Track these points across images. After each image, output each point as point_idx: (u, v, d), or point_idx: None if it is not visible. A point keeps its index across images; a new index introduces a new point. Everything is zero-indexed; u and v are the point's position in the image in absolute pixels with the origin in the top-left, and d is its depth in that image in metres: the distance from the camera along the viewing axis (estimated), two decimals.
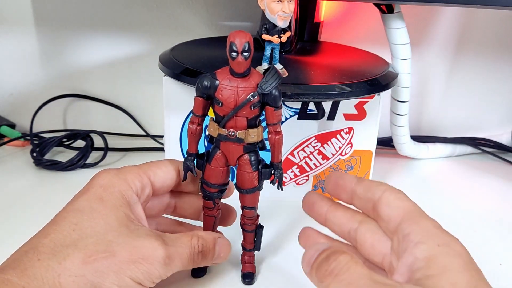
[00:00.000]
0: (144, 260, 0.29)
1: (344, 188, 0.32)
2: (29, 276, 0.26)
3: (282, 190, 0.35)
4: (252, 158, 0.34)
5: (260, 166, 0.35)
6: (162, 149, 0.61)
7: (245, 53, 0.30)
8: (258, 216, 0.37)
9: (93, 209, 0.31)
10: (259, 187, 0.35)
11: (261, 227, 0.38)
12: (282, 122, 0.47)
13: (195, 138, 0.34)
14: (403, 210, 0.29)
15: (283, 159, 0.49)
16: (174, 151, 0.50)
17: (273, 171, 0.35)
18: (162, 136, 0.64)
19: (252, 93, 0.32)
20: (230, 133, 0.33)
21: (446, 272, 0.25)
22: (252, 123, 0.33)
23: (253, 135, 0.33)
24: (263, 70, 0.43)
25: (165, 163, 0.36)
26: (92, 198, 0.31)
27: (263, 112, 0.33)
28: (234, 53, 0.30)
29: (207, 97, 0.33)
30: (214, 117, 0.34)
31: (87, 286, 0.27)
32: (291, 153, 0.49)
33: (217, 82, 0.32)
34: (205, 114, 0.34)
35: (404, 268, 0.27)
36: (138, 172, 0.34)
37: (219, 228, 0.39)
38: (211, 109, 0.34)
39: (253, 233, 0.37)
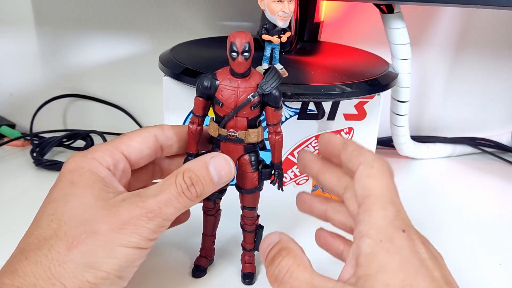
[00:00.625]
0: (126, 225, 0.28)
1: (333, 153, 0.32)
2: (20, 275, 0.26)
3: (282, 190, 0.35)
4: (252, 159, 0.34)
5: (260, 167, 0.34)
6: None
7: (246, 54, 0.30)
8: (258, 216, 0.37)
9: (66, 195, 0.30)
10: (259, 187, 0.35)
11: (261, 227, 0.38)
12: (282, 122, 0.47)
13: (195, 138, 0.34)
14: (367, 192, 0.28)
15: (283, 159, 0.49)
16: None
17: (273, 171, 0.35)
18: None
19: (253, 94, 0.31)
20: (230, 133, 0.33)
21: (381, 272, 0.25)
22: (252, 124, 0.33)
23: (253, 136, 0.33)
24: (263, 70, 0.43)
25: (138, 133, 0.34)
26: (63, 186, 0.30)
27: (263, 113, 0.33)
28: (234, 54, 0.30)
29: (207, 97, 0.33)
30: (214, 117, 0.34)
31: (80, 268, 0.27)
32: (291, 153, 0.49)
33: (218, 82, 0.32)
34: (205, 114, 0.34)
35: (352, 259, 0.27)
36: (107, 148, 0.32)
37: (219, 228, 0.39)
38: (211, 109, 0.34)
39: (253, 233, 0.37)
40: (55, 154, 0.60)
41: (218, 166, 0.31)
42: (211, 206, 0.37)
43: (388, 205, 0.27)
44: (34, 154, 0.56)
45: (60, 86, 0.65)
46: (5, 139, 0.62)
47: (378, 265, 0.25)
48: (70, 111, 0.67)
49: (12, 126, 0.64)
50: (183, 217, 0.38)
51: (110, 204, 0.29)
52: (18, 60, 0.63)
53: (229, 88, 0.32)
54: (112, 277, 0.28)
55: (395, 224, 0.26)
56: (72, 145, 0.61)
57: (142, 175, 0.37)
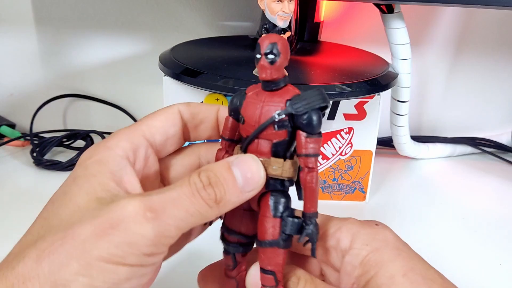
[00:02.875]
0: (115, 227, 0.20)
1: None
2: None
3: (314, 256, 0.26)
4: (274, 200, 0.25)
5: (284, 213, 0.25)
6: None
7: (271, 56, 0.24)
8: (277, 284, 0.25)
9: (65, 193, 0.23)
10: (278, 242, 0.25)
11: None
12: None
13: None
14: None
15: None
16: None
17: (304, 225, 0.25)
18: None
19: (279, 111, 0.24)
20: None
21: (381, 269, 0.25)
22: (279, 151, 0.25)
23: (275, 166, 0.25)
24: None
25: (162, 111, 0.28)
26: (66, 182, 0.24)
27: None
28: (258, 55, 0.24)
29: (237, 116, 0.27)
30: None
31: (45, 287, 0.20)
32: None
33: (245, 96, 0.26)
34: (233, 138, 0.27)
35: (347, 278, 0.26)
36: (125, 132, 0.26)
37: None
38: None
39: None
40: (55, 154, 0.60)
41: (243, 166, 0.24)
42: (230, 262, 0.28)
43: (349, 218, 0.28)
44: (34, 154, 0.56)
45: (60, 86, 0.65)
46: (5, 139, 0.62)
47: (375, 265, 0.25)
48: (70, 111, 0.66)
49: (12, 126, 0.64)
50: (198, 229, 0.30)
51: (104, 204, 0.22)
52: (18, 60, 0.63)
53: (254, 102, 0.25)
54: None
55: (368, 222, 0.27)
56: (72, 145, 0.61)
57: (180, 163, 0.29)
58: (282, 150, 0.25)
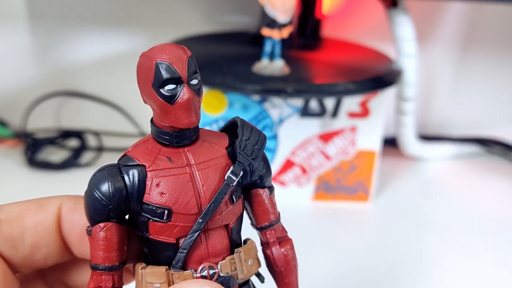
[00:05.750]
0: None
1: None
2: None
3: None
4: None
5: None
6: None
7: (195, 80, 0.17)
8: None
9: None
10: None
11: None
12: (281, 121, 0.46)
13: None
14: None
15: (283, 160, 0.48)
16: None
17: None
18: None
19: (233, 168, 0.17)
20: (203, 274, 0.17)
21: None
22: (237, 238, 0.18)
23: (250, 260, 0.18)
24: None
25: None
26: None
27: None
28: (171, 85, 0.17)
29: (121, 218, 0.17)
30: (150, 258, 0.18)
31: None
32: (293, 153, 0.48)
33: (143, 170, 0.17)
34: (124, 261, 0.18)
35: None
36: None
37: None
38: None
39: None
40: (48, 153, 0.59)
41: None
42: None
43: None
44: (27, 154, 0.55)
45: (54, 83, 0.64)
46: None
47: None
48: (64, 110, 0.65)
49: (5, 125, 0.63)
50: None
51: None
52: (11, 57, 0.62)
53: (175, 173, 0.17)
54: None
55: None
56: (65, 144, 0.59)
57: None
58: (238, 235, 0.18)
